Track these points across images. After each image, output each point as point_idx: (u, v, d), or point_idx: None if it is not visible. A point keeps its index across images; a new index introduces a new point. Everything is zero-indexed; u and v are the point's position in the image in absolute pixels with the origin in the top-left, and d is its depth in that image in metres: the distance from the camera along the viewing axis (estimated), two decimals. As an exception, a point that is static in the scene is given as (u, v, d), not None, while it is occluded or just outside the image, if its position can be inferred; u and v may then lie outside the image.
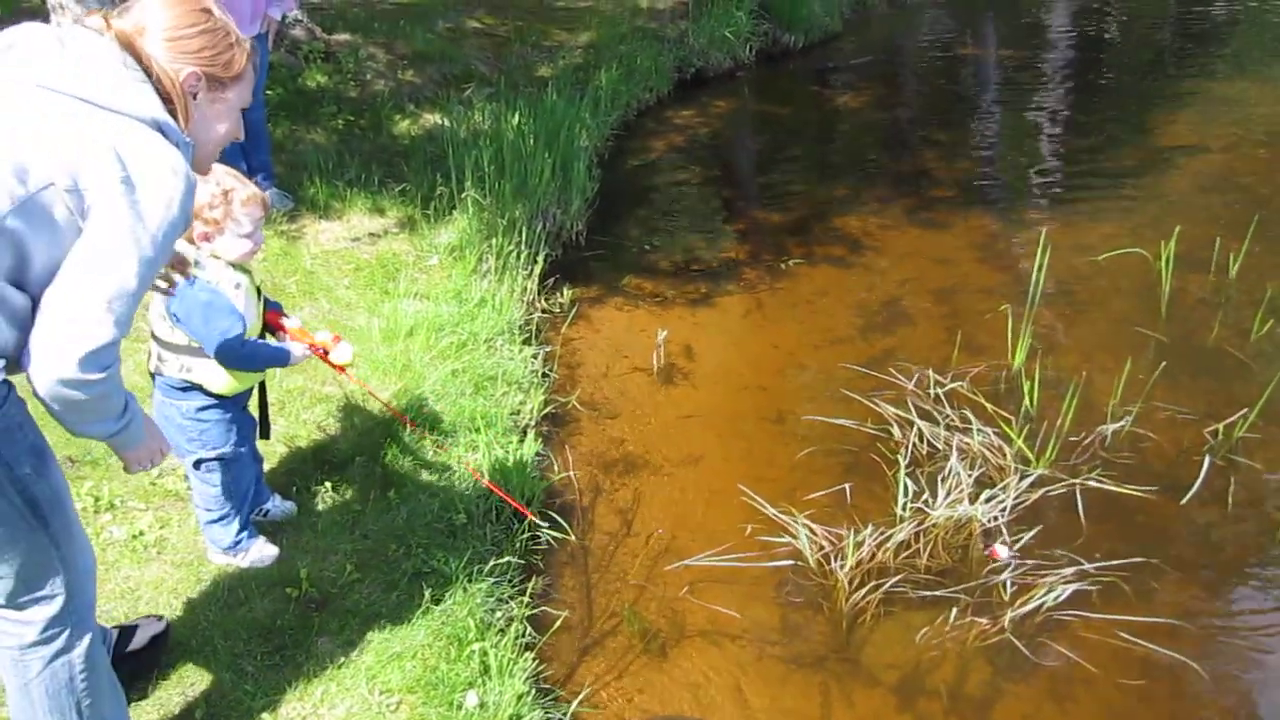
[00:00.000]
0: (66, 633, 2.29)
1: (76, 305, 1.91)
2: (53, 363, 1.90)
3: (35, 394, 1.97)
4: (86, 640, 2.34)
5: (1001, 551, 3.90)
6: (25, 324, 1.96)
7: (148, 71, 2.07)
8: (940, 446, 4.42)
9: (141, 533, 3.57)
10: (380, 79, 8.17)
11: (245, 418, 3.34)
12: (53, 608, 2.24)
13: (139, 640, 2.97)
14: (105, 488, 3.73)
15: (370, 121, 7.47)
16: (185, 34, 2.12)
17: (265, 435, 3.47)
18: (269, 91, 6.73)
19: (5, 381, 1.99)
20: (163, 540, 3.55)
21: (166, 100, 2.09)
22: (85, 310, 1.90)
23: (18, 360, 1.99)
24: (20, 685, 2.31)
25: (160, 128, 2.03)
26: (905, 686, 3.48)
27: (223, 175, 2.91)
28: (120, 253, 1.93)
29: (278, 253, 5.58)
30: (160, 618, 3.09)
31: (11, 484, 2.04)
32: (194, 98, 2.17)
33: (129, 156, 1.94)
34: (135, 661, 2.93)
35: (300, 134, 7.02)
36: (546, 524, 3.96)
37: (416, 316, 5.01)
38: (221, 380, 3.07)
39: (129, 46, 2.06)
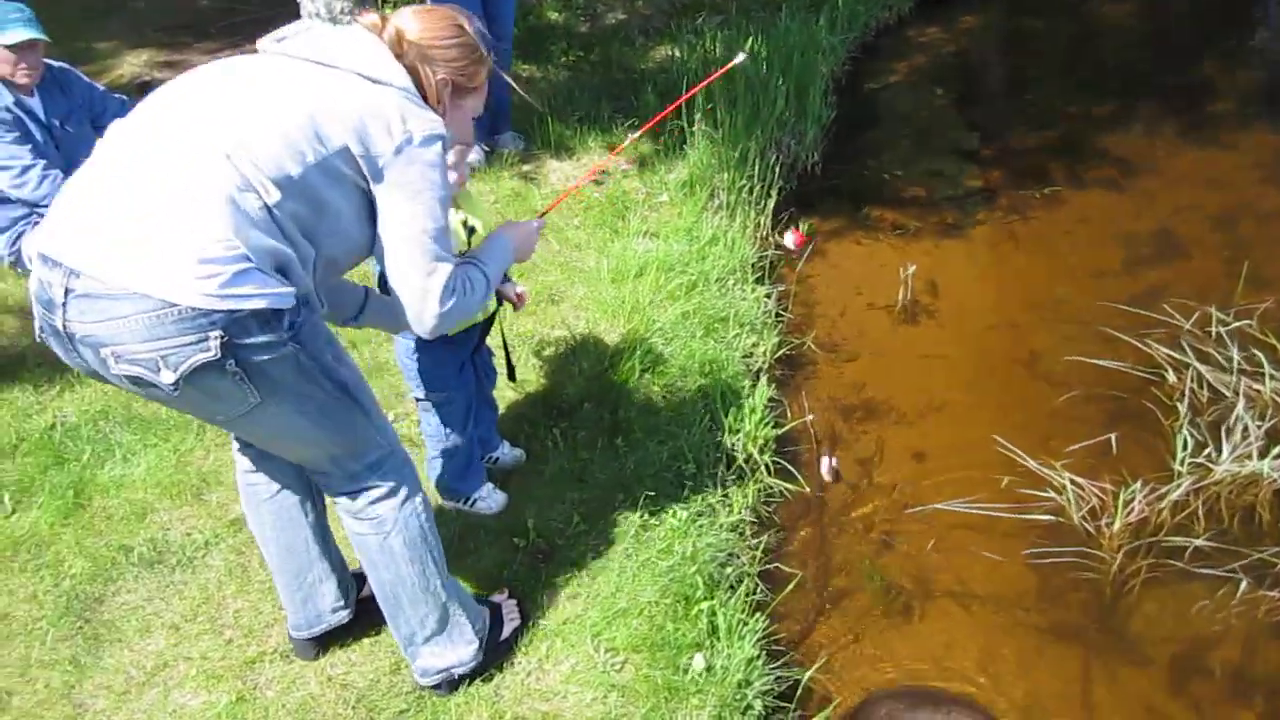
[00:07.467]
0: (405, 484, 2.56)
1: (409, 284, 2.26)
2: (421, 329, 2.33)
3: None
4: (421, 491, 2.62)
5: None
6: (312, 271, 2.22)
7: (409, 70, 2.28)
8: (1225, 393, 3.94)
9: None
10: (610, 12, 8.06)
11: (465, 365, 3.26)
12: (385, 466, 2.51)
13: (367, 591, 3.00)
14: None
15: (600, 56, 7.36)
16: (443, 44, 2.34)
17: (511, 378, 3.41)
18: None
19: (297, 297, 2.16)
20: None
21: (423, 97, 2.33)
22: (414, 286, 2.25)
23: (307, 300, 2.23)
24: (380, 544, 2.57)
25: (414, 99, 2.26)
26: (1178, 666, 3.12)
27: None
28: (419, 221, 2.21)
29: (510, 194, 5.55)
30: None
31: (322, 373, 2.27)
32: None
33: (409, 122, 2.16)
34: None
35: (532, 72, 6.98)
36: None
37: (646, 256, 4.87)
38: None
39: (393, 45, 2.28)
